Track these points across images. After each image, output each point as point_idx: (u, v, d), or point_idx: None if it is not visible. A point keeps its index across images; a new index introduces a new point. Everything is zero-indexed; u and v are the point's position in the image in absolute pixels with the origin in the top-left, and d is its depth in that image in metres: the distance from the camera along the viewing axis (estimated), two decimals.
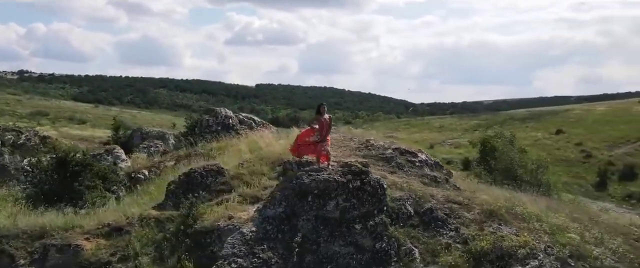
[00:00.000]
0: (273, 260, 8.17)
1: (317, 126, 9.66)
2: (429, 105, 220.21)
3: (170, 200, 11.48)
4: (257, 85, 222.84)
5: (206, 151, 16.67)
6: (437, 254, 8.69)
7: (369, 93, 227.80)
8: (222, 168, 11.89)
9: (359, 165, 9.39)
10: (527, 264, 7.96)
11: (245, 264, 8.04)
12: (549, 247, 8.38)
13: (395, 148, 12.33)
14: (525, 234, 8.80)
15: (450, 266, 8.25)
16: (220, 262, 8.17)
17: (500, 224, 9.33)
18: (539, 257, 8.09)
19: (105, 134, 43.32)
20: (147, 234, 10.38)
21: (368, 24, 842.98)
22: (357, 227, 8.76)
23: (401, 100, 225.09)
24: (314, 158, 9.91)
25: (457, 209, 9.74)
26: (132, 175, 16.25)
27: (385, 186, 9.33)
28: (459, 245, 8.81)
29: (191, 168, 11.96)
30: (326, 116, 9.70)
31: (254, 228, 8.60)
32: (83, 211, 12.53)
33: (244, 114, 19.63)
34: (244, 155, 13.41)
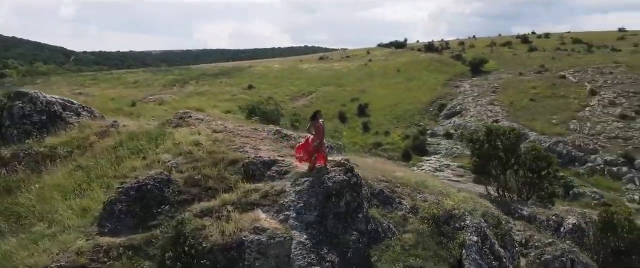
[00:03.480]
0: (336, 260, 9.23)
1: (314, 132, 10.55)
2: (93, 54, 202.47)
3: (123, 221, 9.92)
4: None
5: (47, 150, 13.62)
6: (404, 225, 11.56)
7: (15, 37, 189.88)
8: (170, 175, 10.91)
9: (347, 163, 11.01)
10: (464, 221, 11.83)
11: None
12: (462, 205, 12.55)
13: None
14: (443, 199, 12.69)
15: (422, 232, 11.29)
16: None
17: (419, 193, 12.91)
18: (466, 215, 12.11)
19: None
20: (132, 266, 9.05)
21: None
22: (360, 216, 10.60)
23: (59, 48, 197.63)
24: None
25: (392, 187, 12.72)
26: None
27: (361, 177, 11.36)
28: (411, 215, 11.90)
29: (138, 179, 10.45)
30: (321, 121, 10.69)
31: (305, 236, 9.23)
32: None
33: (56, 97, 15.99)
34: (162, 155, 12.21)
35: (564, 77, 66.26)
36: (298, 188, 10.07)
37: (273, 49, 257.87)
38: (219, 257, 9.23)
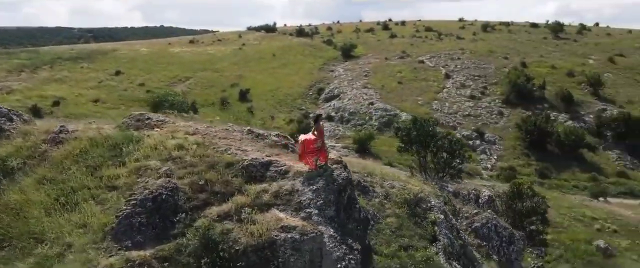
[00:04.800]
0: (359, 248, 10.34)
1: (316, 133, 11.38)
2: None
3: (144, 233, 9.76)
4: None
5: None
6: (383, 210, 13.14)
7: None
8: (176, 184, 10.85)
9: (343, 161, 12.09)
10: (430, 202, 13.80)
11: (355, 259, 9.91)
12: (424, 188, 14.53)
13: (277, 134, 14.71)
14: (406, 185, 14.54)
15: (400, 215, 12.98)
16: (339, 266, 9.60)
17: (385, 181, 14.58)
18: (430, 197, 14.11)
19: None
20: None
21: None
22: (357, 206, 11.87)
23: None
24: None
25: (362, 177, 14.16)
26: None
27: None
28: (386, 201, 13.53)
29: (151, 190, 10.25)
30: (321, 123, 11.59)
31: (332, 230, 10.14)
32: None
33: None
34: (147, 161, 11.86)
35: (422, 62, 74.34)
36: (314, 187, 10.92)
37: (126, 28, 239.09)
38: (253, 258, 9.77)
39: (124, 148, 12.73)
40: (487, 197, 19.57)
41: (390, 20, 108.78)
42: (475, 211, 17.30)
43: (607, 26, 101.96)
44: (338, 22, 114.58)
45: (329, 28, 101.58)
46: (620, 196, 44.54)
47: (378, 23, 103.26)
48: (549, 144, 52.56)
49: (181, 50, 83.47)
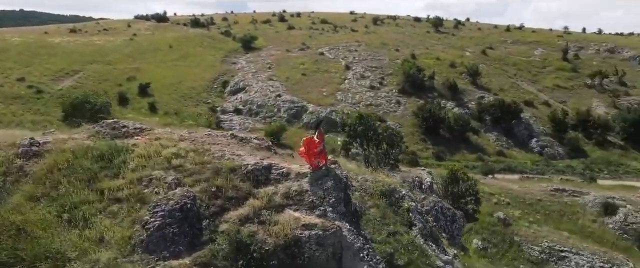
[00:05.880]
0: (370, 239, 11.54)
1: (318, 137, 12.26)
2: None
3: (178, 243, 9.96)
4: None
5: None
6: (364, 203, 14.54)
7: None
8: (192, 192, 11.07)
9: (337, 161, 13.13)
10: (401, 192, 15.44)
11: (372, 248, 11.07)
12: (393, 180, 16.16)
13: (256, 137, 15.29)
14: (376, 177, 16.06)
15: (380, 206, 14.46)
16: (361, 255, 10.70)
17: (357, 175, 15.96)
18: (399, 188, 15.76)
19: None
20: None
21: None
22: (351, 200, 13.09)
23: None
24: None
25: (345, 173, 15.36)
26: None
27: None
28: (364, 194, 14.93)
29: (176, 201, 10.36)
30: (321, 128, 12.51)
31: (348, 225, 11.18)
32: None
33: None
34: (151, 171, 11.78)
35: (322, 53, 77.08)
36: (324, 186, 11.88)
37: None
38: (281, 256, 10.52)
39: (114, 159, 12.44)
40: (428, 183, 22.07)
41: (285, 11, 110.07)
42: (423, 196, 19.55)
43: (477, 21, 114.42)
44: (232, 12, 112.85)
45: (225, 18, 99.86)
46: (502, 172, 51.50)
47: (274, 14, 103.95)
48: (441, 129, 58.50)
49: (63, 40, 76.19)
